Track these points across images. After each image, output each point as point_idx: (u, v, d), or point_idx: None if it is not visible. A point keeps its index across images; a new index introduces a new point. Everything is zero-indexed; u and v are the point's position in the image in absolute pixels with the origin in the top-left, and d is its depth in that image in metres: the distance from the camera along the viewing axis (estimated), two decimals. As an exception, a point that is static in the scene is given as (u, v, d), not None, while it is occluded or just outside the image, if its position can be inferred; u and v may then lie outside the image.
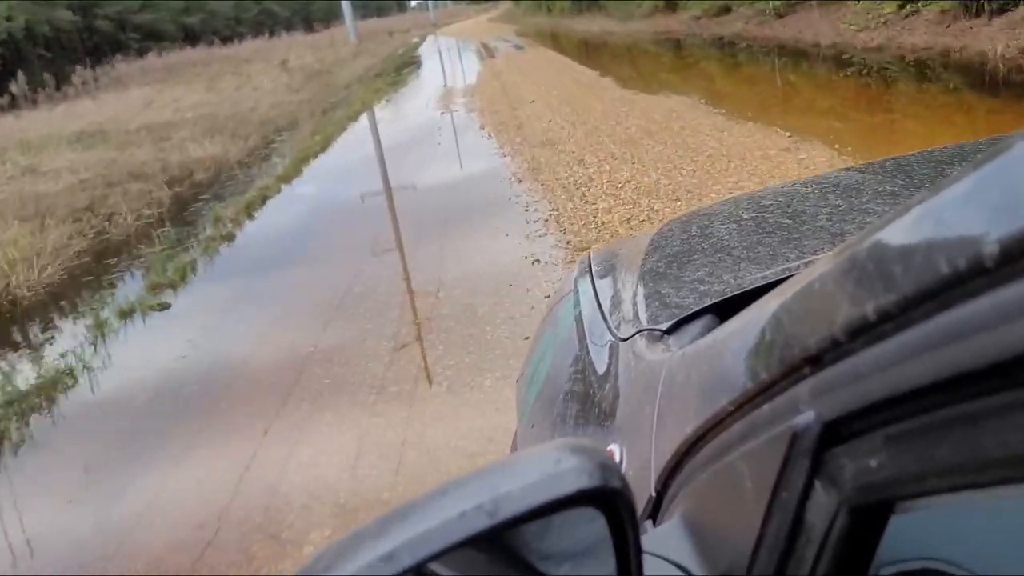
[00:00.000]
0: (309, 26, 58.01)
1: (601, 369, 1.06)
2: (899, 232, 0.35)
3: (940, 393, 0.33)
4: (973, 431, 0.32)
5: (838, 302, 0.39)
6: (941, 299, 0.31)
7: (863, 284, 0.36)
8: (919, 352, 0.33)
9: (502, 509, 0.39)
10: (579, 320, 1.24)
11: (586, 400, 1.07)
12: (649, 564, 0.53)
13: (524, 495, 0.39)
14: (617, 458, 0.86)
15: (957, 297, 0.30)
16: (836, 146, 6.55)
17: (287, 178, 9.87)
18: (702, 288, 1.03)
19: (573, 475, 0.40)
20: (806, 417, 0.43)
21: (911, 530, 0.50)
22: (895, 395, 0.35)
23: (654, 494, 0.72)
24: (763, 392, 0.49)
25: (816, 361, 0.42)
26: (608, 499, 0.42)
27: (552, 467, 0.41)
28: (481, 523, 0.38)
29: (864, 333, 0.37)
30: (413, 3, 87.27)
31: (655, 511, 0.71)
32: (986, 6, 9.92)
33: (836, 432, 0.41)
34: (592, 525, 0.43)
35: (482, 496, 0.39)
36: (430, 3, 74.01)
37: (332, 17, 60.77)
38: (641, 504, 0.72)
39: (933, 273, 0.31)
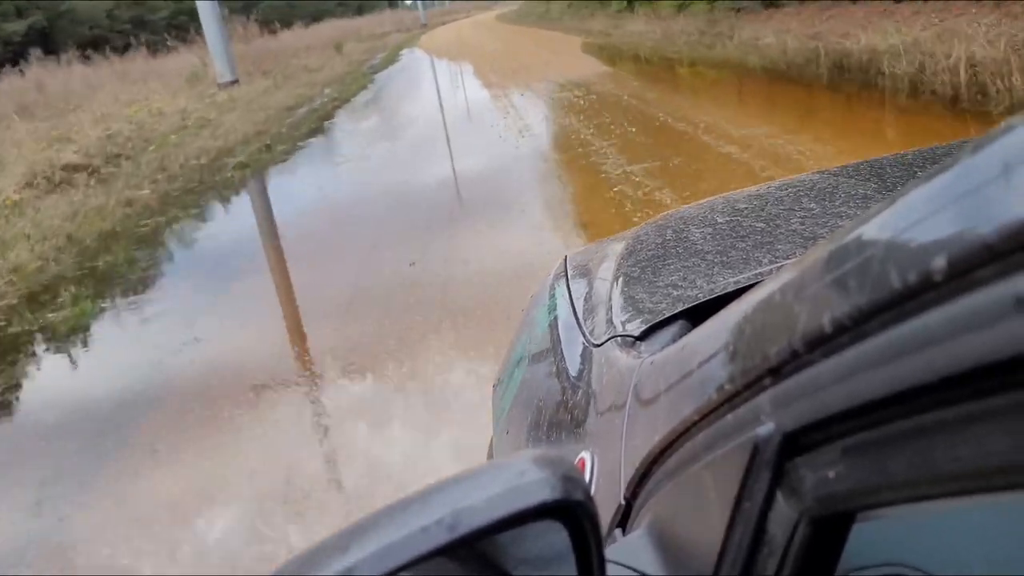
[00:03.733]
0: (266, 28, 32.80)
1: (575, 375, 1.00)
2: (855, 243, 0.33)
3: (894, 406, 0.31)
4: (926, 444, 0.30)
5: (797, 313, 0.37)
6: (894, 312, 0.29)
7: (820, 295, 0.35)
8: (873, 365, 0.31)
9: (462, 523, 0.36)
10: (554, 325, 1.15)
11: (560, 406, 1.00)
12: (614, 573, 0.52)
13: (485, 508, 0.37)
14: (588, 465, 0.81)
15: (909, 311, 0.29)
16: None
17: None
18: (675, 293, 0.96)
19: (535, 488, 0.38)
20: (767, 428, 0.41)
21: (874, 535, 0.47)
22: (851, 407, 0.34)
23: (623, 502, 0.67)
24: (727, 402, 0.46)
25: (776, 372, 0.40)
26: (571, 511, 0.40)
27: (515, 479, 0.38)
28: (441, 538, 0.36)
29: (821, 345, 0.35)
30: (408, 0, 62.85)
31: (624, 519, 0.66)
32: None
33: (796, 443, 0.39)
34: (559, 534, 0.41)
35: (443, 509, 0.37)
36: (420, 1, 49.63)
37: (292, 17, 36.61)
38: (611, 512, 0.68)
39: (886, 286, 0.29)
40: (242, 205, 7.30)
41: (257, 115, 13.04)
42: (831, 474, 0.36)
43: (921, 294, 0.28)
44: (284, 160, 9.14)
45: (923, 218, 0.28)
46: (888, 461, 0.33)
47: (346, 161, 8.06)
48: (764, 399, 0.41)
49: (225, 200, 7.42)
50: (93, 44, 28.31)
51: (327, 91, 16.34)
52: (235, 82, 17.23)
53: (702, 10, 15.56)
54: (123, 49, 25.82)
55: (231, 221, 6.67)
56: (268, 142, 10.27)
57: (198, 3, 17.41)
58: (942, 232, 0.27)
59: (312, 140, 10.23)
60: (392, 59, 22.17)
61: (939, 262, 0.26)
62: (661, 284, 1.00)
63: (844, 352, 0.33)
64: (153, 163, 9.27)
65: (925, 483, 0.31)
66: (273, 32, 24.73)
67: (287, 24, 33.96)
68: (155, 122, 12.10)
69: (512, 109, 9.41)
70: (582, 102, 8.83)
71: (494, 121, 8.71)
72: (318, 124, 11.53)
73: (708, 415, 0.49)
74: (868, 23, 9.77)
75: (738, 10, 14.25)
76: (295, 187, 7.51)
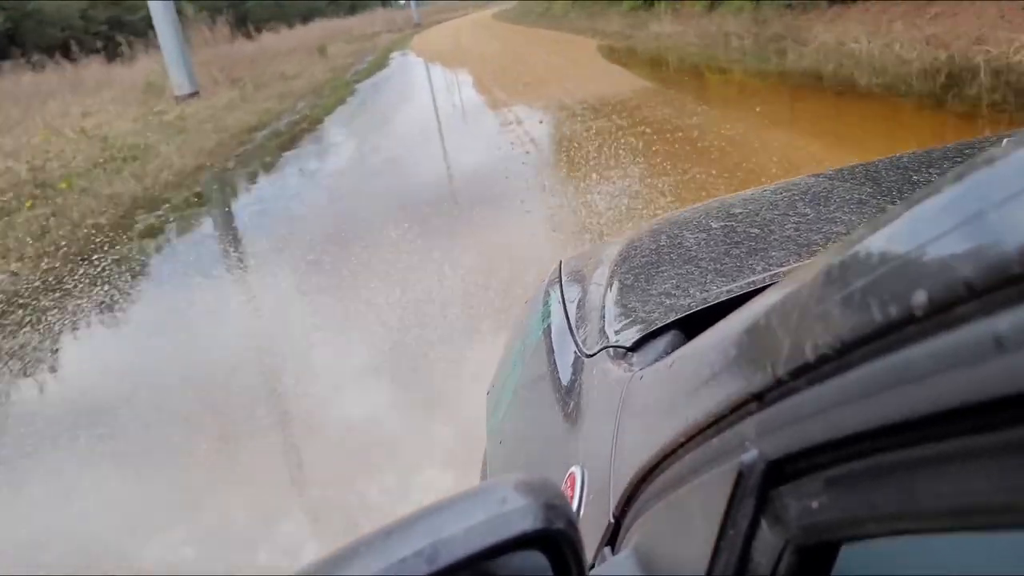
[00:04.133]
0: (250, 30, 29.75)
1: (567, 385, 0.96)
2: (838, 271, 0.32)
3: (876, 439, 0.30)
4: (909, 480, 0.29)
5: (780, 339, 0.36)
6: (875, 345, 0.28)
7: (804, 323, 0.34)
8: (855, 398, 0.30)
9: (441, 555, 0.35)
10: (547, 333, 1.11)
11: (552, 418, 0.95)
12: None
13: (465, 539, 0.36)
14: (579, 480, 0.78)
15: (890, 344, 0.28)
16: None
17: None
18: (668, 302, 0.92)
19: (517, 517, 0.37)
20: (751, 455, 0.39)
21: (861, 552, 0.45)
22: (834, 439, 0.33)
23: (612, 520, 0.63)
24: (712, 425, 0.45)
25: (760, 398, 0.38)
26: (552, 540, 0.39)
27: (496, 507, 0.37)
28: (420, 570, 0.35)
29: (804, 373, 0.34)
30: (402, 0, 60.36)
31: (613, 538, 0.63)
32: None
33: (781, 471, 0.38)
34: (544, 558, 0.40)
35: (423, 540, 0.36)
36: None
37: (282, 17, 34.27)
38: (602, 528, 0.65)
39: (867, 318, 0.28)
40: (119, 317, 4.59)
41: (207, 140, 10.36)
42: (815, 504, 0.35)
43: (902, 328, 0.27)
44: (206, 222, 6.44)
45: (905, 250, 0.27)
46: (872, 494, 0.31)
47: (289, 236, 5.36)
48: (749, 425, 0.40)
49: (99, 304, 4.71)
50: (65, 47, 25.55)
51: (300, 105, 13.67)
52: (194, 94, 14.55)
53: (741, 7, 12.90)
54: (98, 51, 23.01)
55: (81, 369, 3.96)
56: (200, 189, 7.58)
57: (149, 3, 14.69)
58: (923, 265, 0.26)
59: (256, 186, 7.54)
60: (380, 64, 19.45)
61: (920, 297, 0.25)
62: (654, 292, 0.97)
63: (827, 382, 0.32)
64: (35, 223, 6.59)
65: (909, 518, 0.30)
66: (248, 35, 21.89)
67: (275, 24, 31.25)
68: (72, 151, 9.41)
69: (532, 147, 6.70)
70: (634, 140, 6.13)
71: (508, 167, 6.01)
72: (274, 156, 8.84)
73: (695, 436, 0.48)
74: (1007, 23, 7.13)
75: (789, 6, 11.62)
76: (201, 281, 4.80)
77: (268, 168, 8.30)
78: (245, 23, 29.55)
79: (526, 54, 15.36)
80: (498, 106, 9.35)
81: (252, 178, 7.94)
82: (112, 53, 21.29)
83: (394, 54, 21.88)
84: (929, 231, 0.26)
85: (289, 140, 10.05)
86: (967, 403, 0.24)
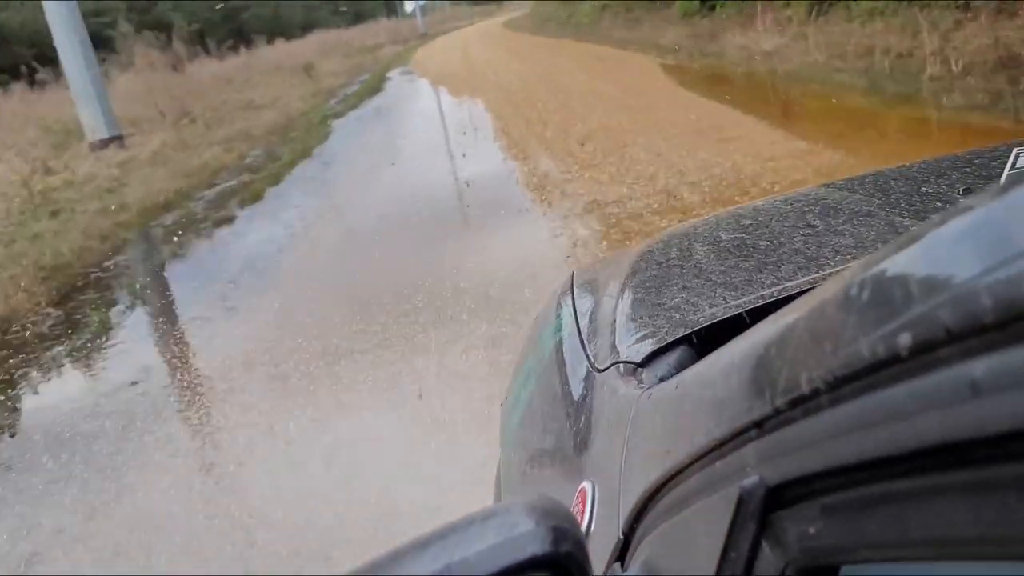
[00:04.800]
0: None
1: (578, 400, 0.96)
2: (831, 307, 0.33)
3: (867, 470, 0.31)
4: (897, 510, 0.30)
5: (779, 369, 0.38)
6: (864, 381, 0.30)
7: (800, 355, 0.35)
8: (847, 430, 0.32)
9: None
10: (559, 346, 1.10)
11: (563, 432, 0.96)
12: None
13: (476, 563, 0.37)
14: (589, 496, 0.79)
15: (878, 382, 0.29)
16: None
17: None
18: (678, 317, 0.92)
19: (527, 540, 0.38)
20: (752, 480, 0.41)
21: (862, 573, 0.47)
22: (828, 468, 0.34)
23: (622, 537, 0.65)
24: (715, 449, 0.46)
25: (760, 425, 0.40)
26: (560, 563, 0.40)
27: (507, 531, 0.38)
28: None
29: (800, 404, 0.35)
30: (409, 7, 57.16)
31: (623, 554, 0.64)
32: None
33: (780, 496, 0.39)
34: None
35: (436, 564, 0.37)
36: (418, 6, 43.67)
37: (280, 28, 30.77)
38: (612, 544, 0.66)
39: (857, 355, 0.30)
40: None
41: (74, 236, 6.48)
42: (812, 530, 0.36)
43: (888, 367, 0.28)
44: None
45: (892, 292, 0.28)
46: (863, 522, 0.32)
47: None
48: (749, 451, 0.41)
49: None
50: (31, 67, 21.59)
51: (252, 155, 9.68)
52: (113, 140, 10.56)
53: (876, 11, 8.77)
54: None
55: None
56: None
57: (46, 6, 10.74)
58: (909, 309, 0.27)
59: (88, 378, 3.49)
60: (374, 87, 15.44)
61: (904, 339, 0.26)
62: (664, 306, 0.97)
63: (821, 414, 0.33)
64: None
65: (898, 546, 0.31)
66: (209, 52, 17.89)
67: (272, 36, 27.40)
68: None
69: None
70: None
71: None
72: (155, 280, 4.77)
73: (699, 459, 0.48)
74: None
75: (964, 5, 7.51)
76: None
77: (122, 318, 4.24)
78: (241, 35, 25.65)
79: (565, 80, 11.20)
80: (547, 197, 5.22)
81: (87, 355, 3.90)
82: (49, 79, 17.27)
83: (393, 73, 17.87)
84: (915, 276, 0.27)
85: (205, 234, 6.04)
86: (946, 442, 0.25)
